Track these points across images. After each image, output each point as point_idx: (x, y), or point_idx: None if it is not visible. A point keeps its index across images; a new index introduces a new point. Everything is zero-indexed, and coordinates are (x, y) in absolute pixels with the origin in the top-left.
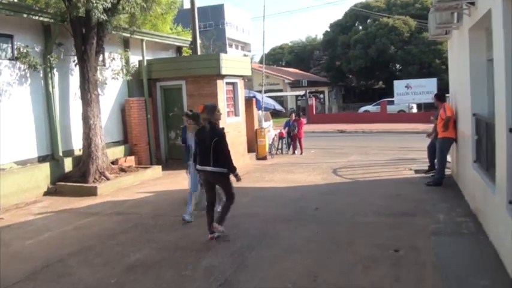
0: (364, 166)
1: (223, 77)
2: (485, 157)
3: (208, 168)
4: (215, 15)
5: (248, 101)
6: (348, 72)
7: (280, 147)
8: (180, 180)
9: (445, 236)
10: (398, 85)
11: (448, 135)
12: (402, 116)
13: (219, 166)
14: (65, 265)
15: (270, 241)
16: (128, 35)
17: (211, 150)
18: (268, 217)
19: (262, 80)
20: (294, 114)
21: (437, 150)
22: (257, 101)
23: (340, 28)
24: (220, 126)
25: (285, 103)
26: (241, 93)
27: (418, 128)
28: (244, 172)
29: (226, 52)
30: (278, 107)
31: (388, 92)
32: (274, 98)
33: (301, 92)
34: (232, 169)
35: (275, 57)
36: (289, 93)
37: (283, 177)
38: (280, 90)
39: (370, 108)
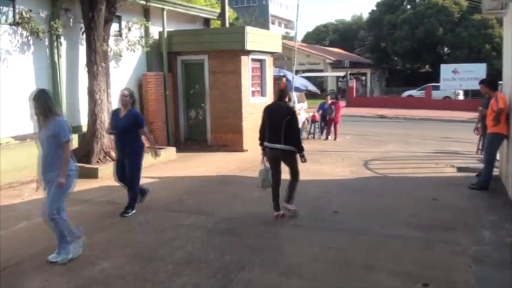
0: (400, 159)
1: (248, 52)
2: None
3: (278, 146)
4: None
5: (277, 80)
6: (393, 54)
7: (312, 131)
8: (192, 165)
9: (490, 266)
10: (445, 69)
11: (499, 130)
12: (447, 103)
13: (289, 144)
14: (20, 270)
15: (267, 257)
16: (147, 3)
17: (283, 129)
18: (276, 220)
19: (293, 57)
20: (329, 97)
21: (485, 147)
22: (288, 80)
23: (387, 7)
24: (245, 106)
25: (325, 84)
26: (270, 71)
27: (463, 117)
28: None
29: (268, 29)
30: (312, 87)
31: (435, 76)
32: (314, 79)
33: (342, 73)
34: (301, 149)
35: (319, 36)
36: (329, 74)
37: (306, 167)
38: (321, 71)
39: (414, 93)
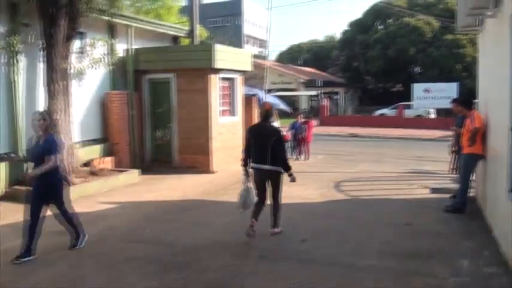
0: (372, 180)
1: (217, 71)
2: None
3: (265, 167)
4: (233, 10)
5: (248, 99)
6: (366, 74)
7: None
8: (156, 189)
9: None
10: (417, 88)
11: (475, 150)
12: (419, 122)
13: (275, 165)
14: None
15: None
16: (112, 20)
17: (269, 149)
18: (240, 250)
19: (265, 76)
20: (300, 116)
21: (461, 168)
22: (258, 99)
23: (360, 27)
24: (214, 126)
25: (298, 103)
26: (240, 90)
27: (435, 135)
28: (233, 182)
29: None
30: (283, 106)
31: (407, 95)
32: (287, 98)
33: (314, 92)
34: (288, 168)
35: (292, 56)
36: (302, 93)
37: None
38: (294, 90)
39: (386, 111)
